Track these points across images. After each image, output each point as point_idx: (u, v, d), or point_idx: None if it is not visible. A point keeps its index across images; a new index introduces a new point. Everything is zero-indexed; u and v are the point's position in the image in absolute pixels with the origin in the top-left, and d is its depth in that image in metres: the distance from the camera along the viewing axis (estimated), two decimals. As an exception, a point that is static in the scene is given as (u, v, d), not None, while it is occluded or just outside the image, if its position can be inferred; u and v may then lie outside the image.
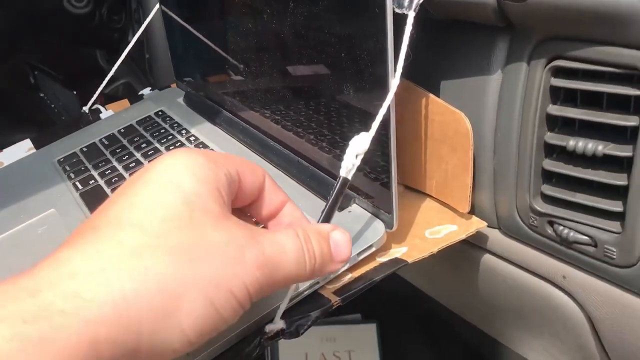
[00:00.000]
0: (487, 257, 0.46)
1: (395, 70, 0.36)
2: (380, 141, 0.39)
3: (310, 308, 0.38)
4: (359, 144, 0.36)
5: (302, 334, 0.37)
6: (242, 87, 0.57)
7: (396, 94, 0.37)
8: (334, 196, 0.36)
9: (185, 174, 0.28)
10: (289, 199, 0.36)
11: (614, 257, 0.35)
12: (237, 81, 0.58)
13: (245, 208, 0.35)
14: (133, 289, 0.24)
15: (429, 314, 1.04)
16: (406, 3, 0.36)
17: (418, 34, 0.43)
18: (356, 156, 0.36)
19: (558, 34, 0.35)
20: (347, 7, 0.38)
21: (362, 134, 0.36)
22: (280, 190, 0.35)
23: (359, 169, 0.43)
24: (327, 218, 0.36)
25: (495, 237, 0.44)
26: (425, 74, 0.44)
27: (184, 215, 0.27)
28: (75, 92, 1.28)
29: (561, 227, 0.38)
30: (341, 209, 0.44)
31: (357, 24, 0.37)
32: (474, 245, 0.47)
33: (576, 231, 0.37)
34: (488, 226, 0.44)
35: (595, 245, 0.36)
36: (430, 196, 0.48)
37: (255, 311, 0.37)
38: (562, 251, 0.39)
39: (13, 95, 1.28)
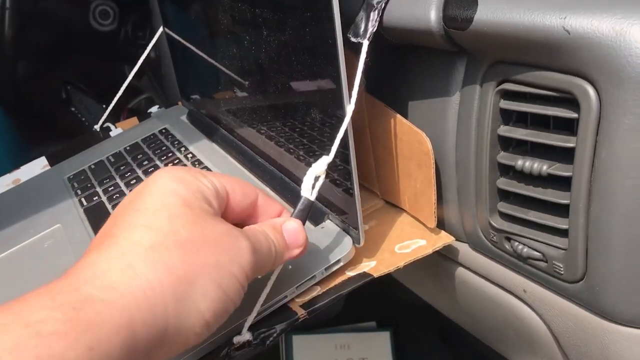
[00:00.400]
0: (460, 270, 0.48)
1: (350, 97, 0.38)
2: (344, 158, 0.41)
3: (277, 321, 0.40)
4: (318, 167, 0.38)
5: (268, 345, 0.39)
6: (233, 107, 0.60)
7: (355, 116, 0.39)
8: (295, 214, 0.38)
9: (179, 185, 0.32)
10: (284, 208, 0.40)
11: (562, 272, 0.36)
12: (229, 101, 0.61)
13: (242, 222, 0.38)
14: (156, 279, 0.28)
15: (443, 322, 1.04)
16: (361, 32, 0.39)
17: (386, 57, 0.45)
18: (316, 178, 0.38)
19: (505, 59, 0.36)
20: (309, 39, 0.40)
21: (323, 157, 0.39)
22: (275, 203, 0.39)
23: (333, 186, 0.45)
24: None
25: (465, 251, 0.46)
26: (394, 95, 0.46)
27: (185, 214, 0.31)
28: (104, 106, 1.33)
29: (517, 243, 0.39)
30: (316, 223, 0.46)
31: (317, 54, 0.40)
32: (447, 258, 0.48)
33: (529, 247, 0.38)
34: (458, 240, 0.46)
35: (546, 261, 0.37)
36: (406, 211, 0.49)
37: (225, 324, 0.40)
38: (521, 266, 0.40)
39: (46, 109, 1.34)
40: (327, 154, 0.39)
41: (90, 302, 0.26)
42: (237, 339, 0.39)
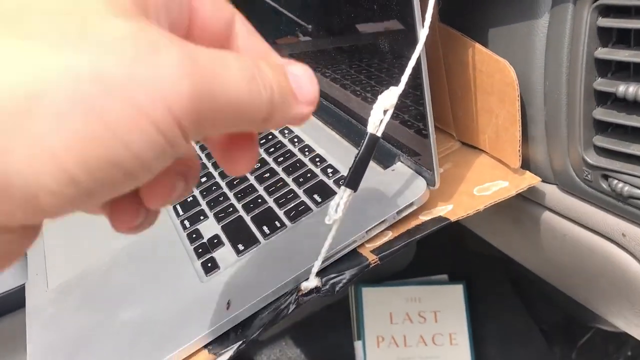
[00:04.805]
0: (547, 214, 0.44)
1: (423, 20, 0.34)
2: (416, 96, 0.37)
3: (347, 266, 0.38)
4: (387, 99, 0.35)
5: (337, 292, 0.37)
6: (297, 50, 0.57)
7: (428, 48, 0.35)
8: (361, 152, 0.35)
9: None
10: (273, 51, 0.26)
11: (672, 213, 0.32)
12: (294, 43, 0.58)
13: None
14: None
15: (515, 273, 1.00)
16: (435, -54, 0.34)
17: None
18: (384, 112, 0.35)
19: (605, -33, 0.31)
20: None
21: (391, 88, 0.35)
22: (262, 40, 0.26)
23: (404, 128, 0.42)
24: (357, 170, 0.35)
25: (553, 193, 0.41)
26: (472, 22, 0.42)
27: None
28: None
29: (615, 181, 0.35)
30: (385, 167, 0.43)
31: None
32: (532, 201, 0.44)
33: (631, 185, 0.34)
34: (545, 182, 0.42)
35: (652, 200, 0.33)
36: (486, 152, 0.45)
37: (292, 269, 0.38)
38: (620, 207, 0.36)
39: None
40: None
41: None
42: (305, 285, 0.37)
